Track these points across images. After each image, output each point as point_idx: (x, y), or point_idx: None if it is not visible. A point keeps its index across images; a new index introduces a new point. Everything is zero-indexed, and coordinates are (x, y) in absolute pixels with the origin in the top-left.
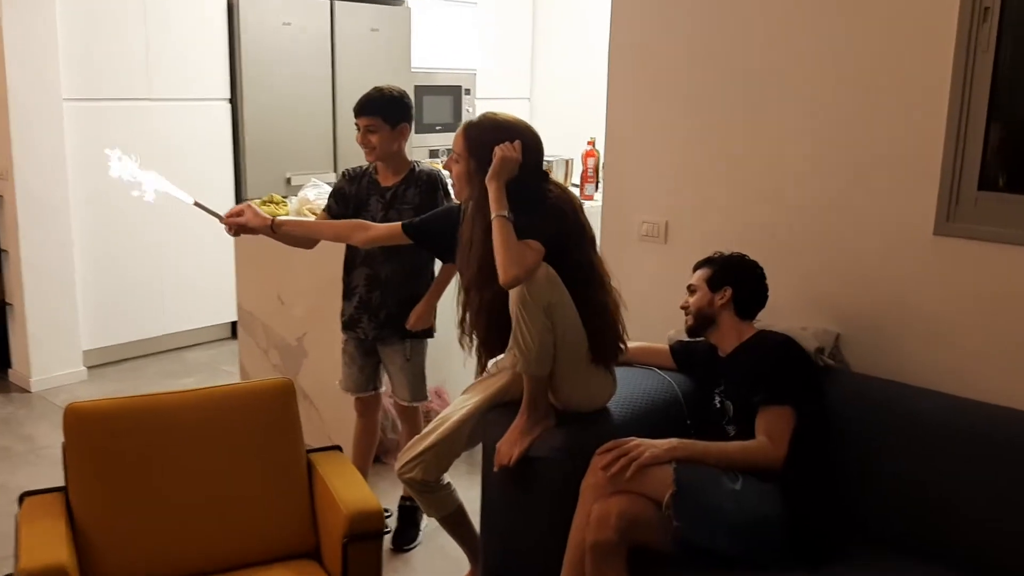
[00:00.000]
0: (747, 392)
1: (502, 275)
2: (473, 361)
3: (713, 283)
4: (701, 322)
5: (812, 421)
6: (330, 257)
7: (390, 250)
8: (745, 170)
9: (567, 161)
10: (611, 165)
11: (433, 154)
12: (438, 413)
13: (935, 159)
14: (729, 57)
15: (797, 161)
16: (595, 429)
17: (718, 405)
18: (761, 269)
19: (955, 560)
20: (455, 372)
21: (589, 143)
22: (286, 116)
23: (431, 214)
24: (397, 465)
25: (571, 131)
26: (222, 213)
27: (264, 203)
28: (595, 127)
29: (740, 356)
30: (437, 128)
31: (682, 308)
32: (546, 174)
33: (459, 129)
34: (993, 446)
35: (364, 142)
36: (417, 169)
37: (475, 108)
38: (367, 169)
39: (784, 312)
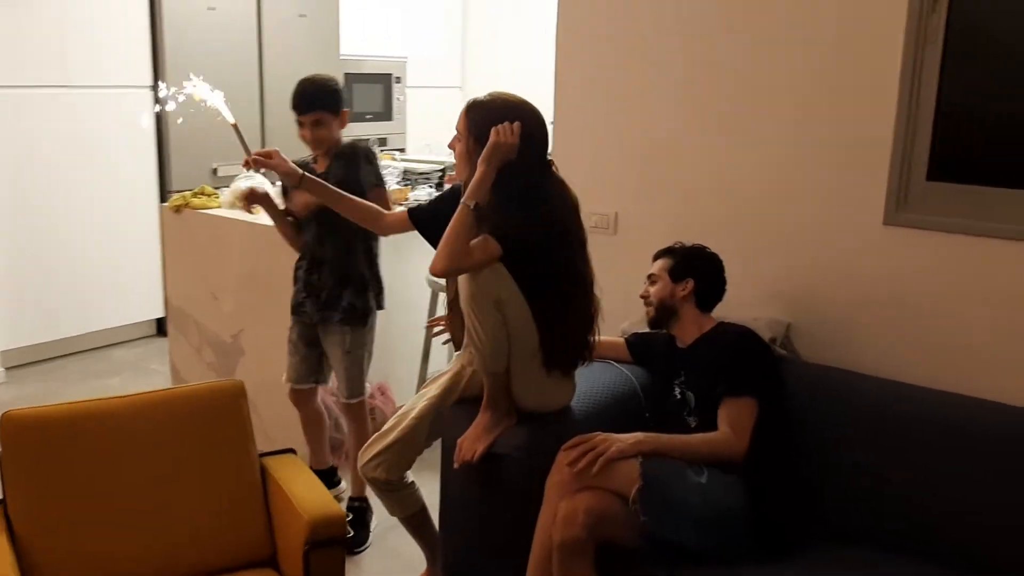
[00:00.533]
0: (708, 383)
1: (433, 262)
2: (418, 357)
3: (675, 274)
4: (662, 313)
5: (773, 412)
6: (264, 252)
7: (326, 229)
8: (695, 161)
9: None
10: (559, 157)
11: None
12: (382, 410)
13: (885, 150)
14: (676, 49)
15: (747, 152)
16: (559, 426)
17: (678, 396)
18: (721, 261)
19: (913, 548)
20: (399, 368)
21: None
22: (205, 111)
23: (436, 197)
24: (359, 464)
25: None
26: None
27: (196, 195)
28: None
29: (701, 347)
30: (368, 117)
31: (642, 297)
32: (548, 166)
33: (463, 107)
34: (946, 433)
35: (313, 137)
36: (340, 145)
37: (406, 96)
38: (308, 161)
39: (735, 303)
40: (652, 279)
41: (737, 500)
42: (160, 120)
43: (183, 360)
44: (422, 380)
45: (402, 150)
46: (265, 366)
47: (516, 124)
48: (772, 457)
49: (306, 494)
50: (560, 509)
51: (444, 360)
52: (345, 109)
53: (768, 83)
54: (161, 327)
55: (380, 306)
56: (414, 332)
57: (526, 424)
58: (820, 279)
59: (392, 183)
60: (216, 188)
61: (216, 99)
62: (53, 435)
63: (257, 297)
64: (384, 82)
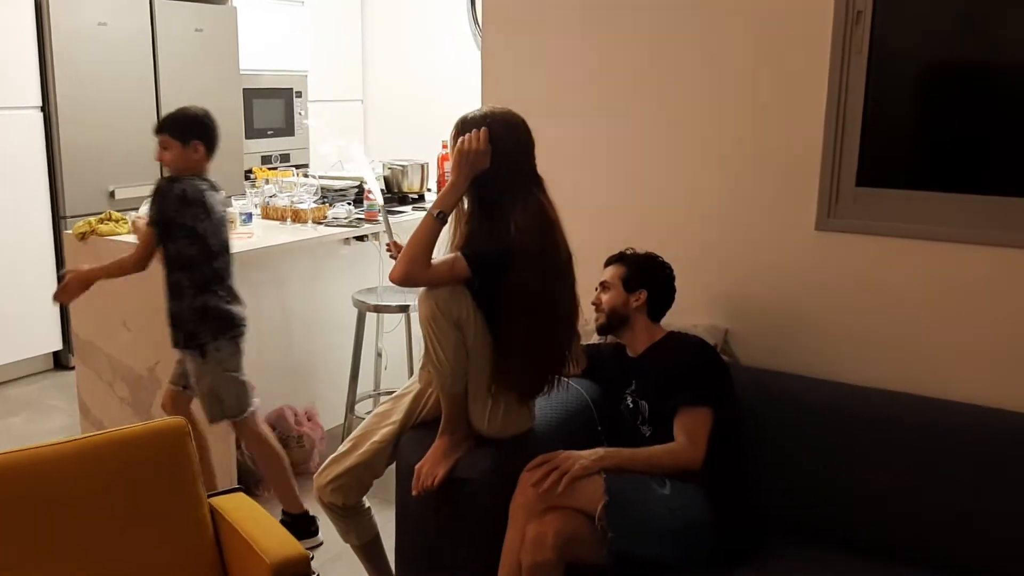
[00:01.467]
0: (662, 393)
1: (392, 269)
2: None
3: (628, 284)
4: (613, 321)
5: (727, 421)
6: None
7: (164, 266)
8: (628, 168)
9: (422, 165)
10: None
11: (266, 160)
12: (309, 437)
13: (815, 157)
14: (602, 63)
15: (681, 161)
16: (519, 447)
17: (631, 405)
18: (672, 271)
19: (860, 543)
20: (326, 389)
21: (444, 146)
22: (106, 124)
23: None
24: (315, 487)
25: (409, 132)
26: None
27: (102, 221)
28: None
29: (652, 356)
30: (269, 133)
31: (593, 304)
32: (526, 179)
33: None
34: (884, 429)
35: (160, 159)
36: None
37: (307, 111)
38: None
39: (673, 309)
40: (604, 286)
41: (700, 509)
42: (50, 141)
43: (93, 396)
44: (351, 402)
45: (306, 165)
46: None
47: (482, 131)
48: (727, 464)
49: (264, 535)
50: (528, 532)
51: (371, 381)
52: (196, 142)
53: (699, 94)
54: (59, 360)
55: (219, 335)
56: (340, 352)
57: (486, 447)
58: (756, 285)
59: (309, 202)
60: (120, 212)
61: None
62: None
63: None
64: (285, 97)
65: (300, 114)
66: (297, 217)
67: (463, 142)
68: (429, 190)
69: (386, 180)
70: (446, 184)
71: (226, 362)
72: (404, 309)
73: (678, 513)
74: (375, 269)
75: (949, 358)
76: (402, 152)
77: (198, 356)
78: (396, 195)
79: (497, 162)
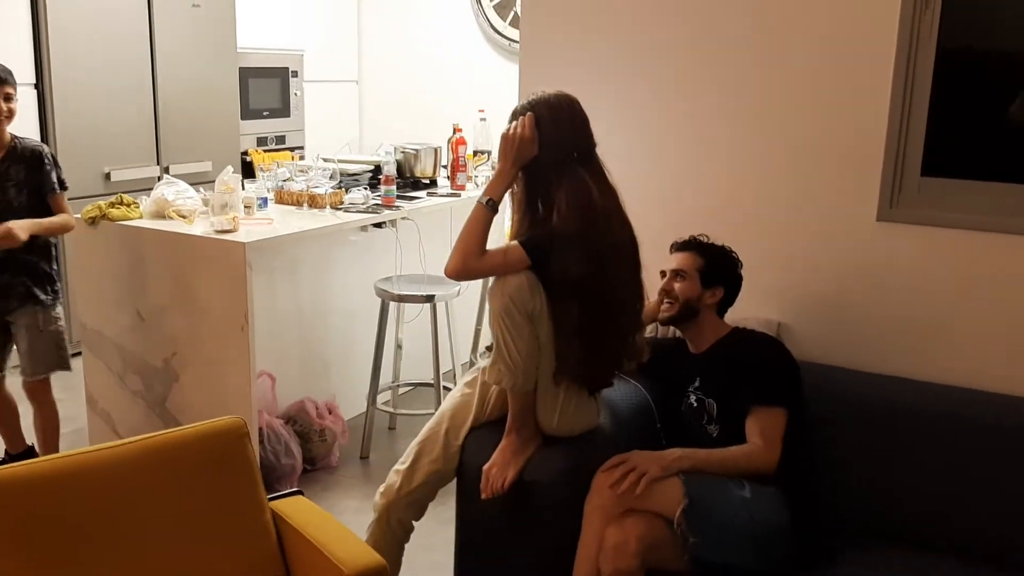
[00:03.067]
0: (731, 391)
1: (448, 263)
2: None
3: (706, 277)
4: (685, 313)
5: (801, 421)
6: (201, 265)
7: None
8: (684, 158)
9: (435, 149)
10: None
11: (261, 141)
12: (331, 430)
13: (878, 146)
14: (665, 49)
15: (739, 150)
16: (589, 447)
17: (694, 404)
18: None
19: (931, 542)
20: (345, 381)
21: (457, 130)
22: (101, 103)
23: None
24: (383, 504)
25: (406, 114)
26: None
27: (113, 205)
28: (437, 112)
29: (719, 353)
30: (265, 114)
31: (663, 292)
32: (580, 158)
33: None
34: (947, 427)
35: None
36: (20, 145)
37: (303, 92)
38: None
39: None
40: (680, 275)
41: (781, 513)
42: (44, 121)
43: (102, 388)
44: (373, 394)
45: (301, 148)
46: (205, 391)
47: (527, 117)
48: (803, 466)
49: (337, 542)
50: (608, 537)
51: (390, 372)
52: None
53: (761, 80)
54: None
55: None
56: (362, 342)
57: (555, 446)
58: (813, 278)
59: (326, 186)
60: (117, 195)
61: None
62: (36, 499)
63: (192, 315)
64: (281, 76)
65: (296, 95)
66: (314, 202)
67: (509, 130)
68: (444, 167)
69: (397, 164)
70: (496, 172)
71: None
72: (429, 299)
73: (758, 516)
74: (391, 257)
75: (1018, 354)
76: (398, 135)
77: (54, 300)
78: (409, 180)
79: (543, 147)
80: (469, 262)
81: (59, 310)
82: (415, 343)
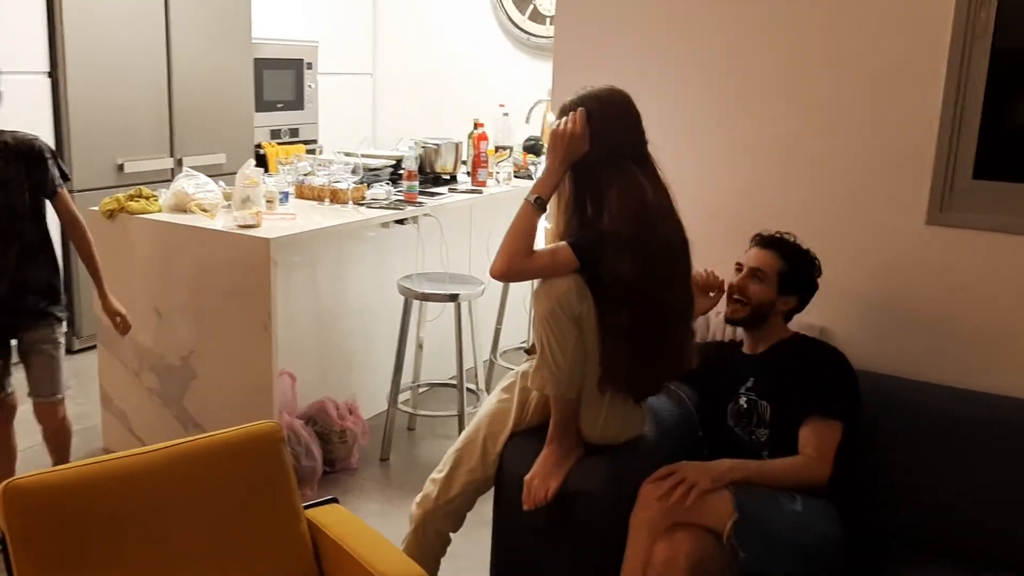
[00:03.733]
0: (787, 396)
1: (492, 264)
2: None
3: (784, 283)
4: (755, 318)
5: (856, 435)
6: (222, 260)
7: (7, 234)
8: (729, 157)
9: (456, 144)
10: None
11: (275, 134)
12: (352, 431)
13: (928, 147)
14: (712, 45)
15: (783, 148)
16: (634, 455)
17: (744, 405)
18: None
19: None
20: (366, 380)
21: (478, 125)
22: (116, 93)
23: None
24: (420, 513)
25: (418, 109)
26: None
27: (131, 198)
28: (452, 106)
29: (779, 356)
30: (279, 106)
31: (737, 288)
32: (632, 155)
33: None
34: (996, 436)
35: None
36: (13, 139)
37: (317, 84)
38: None
39: None
40: (756, 275)
41: (832, 527)
42: (58, 111)
43: (116, 385)
44: (395, 394)
45: (314, 141)
46: (224, 390)
47: (578, 113)
48: (855, 479)
49: (376, 554)
50: (658, 552)
51: (410, 372)
52: None
53: (810, 78)
54: (68, 346)
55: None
56: (381, 341)
57: (598, 455)
58: (858, 281)
59: (348, 181)
60: (136, 187)
61: None
62: (67, 505)
63: (213, 312)
64: (296, 68)
65: (310, 87)
66: (336, 197)
67: (558, 126)
68: (463, 163)
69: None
70: (544, 168)
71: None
72: (453, 298)
73: (810, 530)
74: (412, 254)
75: None
76: (412, 129)
77: (59, 323)
78: (429, 175)
79: (594, 143)
80: (516, 263)
81: (65, 325)
82: (432, 342)
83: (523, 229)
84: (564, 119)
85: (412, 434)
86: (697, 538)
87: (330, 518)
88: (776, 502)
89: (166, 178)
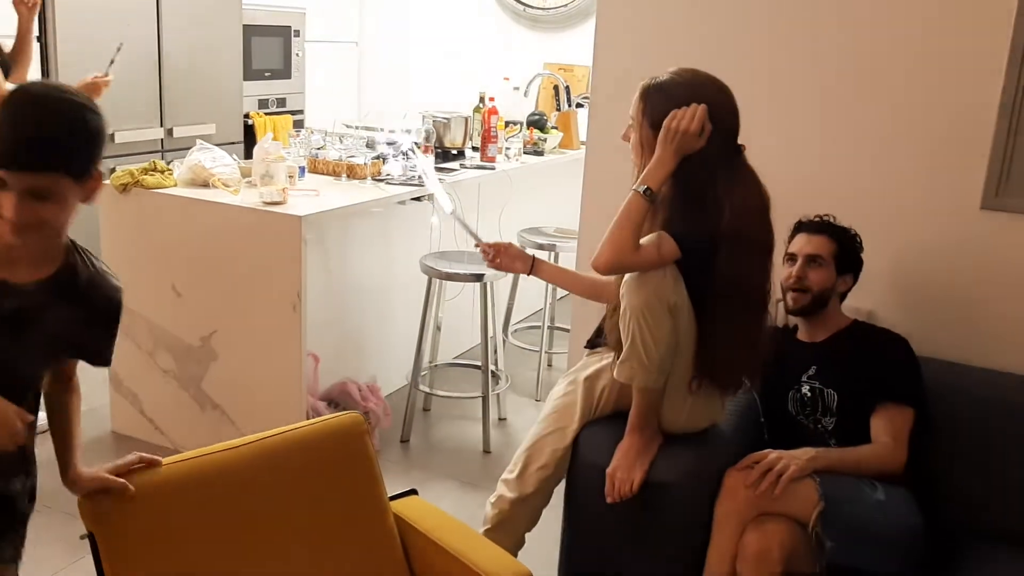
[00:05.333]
0: (856, 383)
1: (595, 257)
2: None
3: (841, 264)
4: (817, 304)
5: (926, 421)
6: (246, 236)
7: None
8: (779, 145)
9: (466, 119)
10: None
11: (263, 103)
12: (375, 413)
13: (987, 130)
14: (767, 25)
15: (833, 127)
16: (712, 444)
17: (807, 394)
18: None
19: None
20: (386, 360)
21: (491, 99)
22: (105, 61)
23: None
24: (492, 511)
25: (403, 79)
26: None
27: (146, 171)
28: (437, 78)
29: (841, 343)
30: (266, 75)
31: (795, 278)
32: (734, 156)
33: (639, 90)
34: None
35: (25, 216)
36: (79, 266)
37: (304, 52)
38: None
39: None
40: (815, 261)
41: (915, 515)
42: (47, 76)
43: (129, 367)
44: (416, 375)
45: (300, 111)
46: (247, 372)
47: (701, 108)
48: (929, 465)
49: (475, 550)
50: (749, 544)
51: (430, 348)
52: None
53: (867, 59)
54: None
55: None
56: (400, 320)
57: (677, 445)
58: (909, 266)
59: (365, 156)
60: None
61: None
62: (153, 503)
63: (237, 291)
64: (284, 35)
65: (297, 55)
66: (353, 173)
67: (675, 119)
68: (475, 148)
69: (426, 134)
70: (655, 157)
71: None
72: (478, 278)
73: (892, 519)
74: (426, 231)
75: None
76: (397, 100)
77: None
78: (438, 150)
79: (713, 139)
80: (624, 257)
81: None
82: (446, 321)
83: (632, 221)
84: (682, 113)
85: (428, 414)
86: (789, 529)
87: (413, 511)
88: (860, 491)
89: (156, 148)
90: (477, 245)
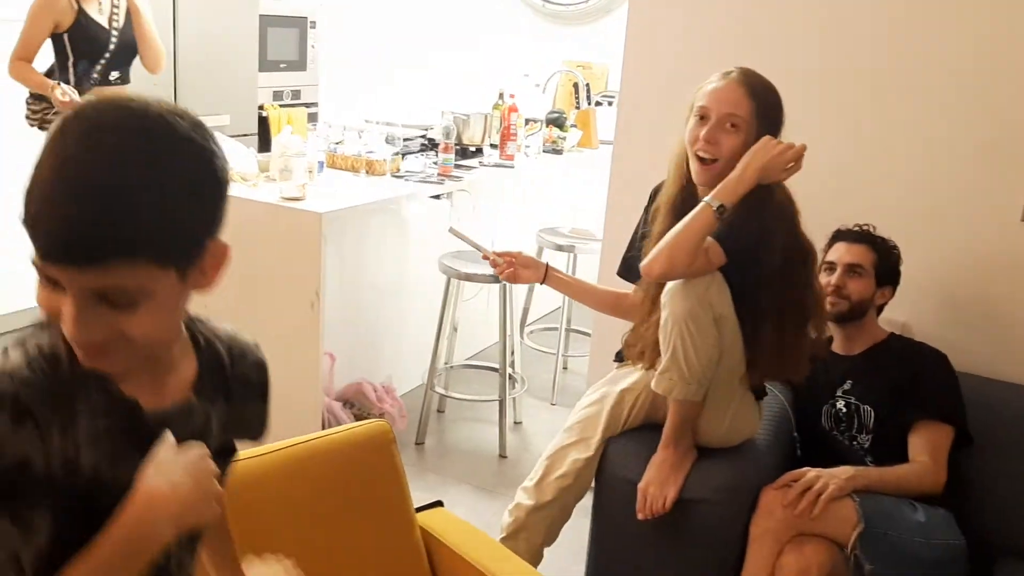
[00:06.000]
0: (894, 399)
1: (649, 264)
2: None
3: (881, 276)
4: (855, 314)
5: (965, 439)
6: (270, 231)
7: None
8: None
9: (486, 116)
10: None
11: (277, 95)
12: (391, 415)
13: None
14: (798, 28)
15: (873, 136)
16: (747, 459)
17: (843, 409)
18: None
19: None
20: (402, 362)
21: (511, 96)
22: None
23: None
24: (509, 519)
25: (420, 73)
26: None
27: None
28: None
29: (879, 357)
30: (282, 66)
31: (834, 288)
32: None
33: (733, 83)
34: None
35: (93, 333)
36: (214, 344)
37: (319, 44)
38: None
39: None
40: (855, 271)
41: (956, 537)
42: None
43: None
44: (432, 376)
45: (315, 104)
46: None
47: (801, 147)
48: (967, 485)
49: (505, 569)
50: (787, 566)
51: (444, 350)
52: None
53: (910, 64)
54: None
55: None
56: (416, 319)
57: (710, 459)
58: (947, 278)
59: (385, 152)
60: None
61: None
62: None
63: (251, 289)
64: (300, 26)
65: (313, 47)
66: (372, 169)
67: (779, 149)
68: (493, 146)
69: (445, 131)
70: (734, 173)
71: None
72: (498, 279)
73: (935, 542)
74: (442, 230)
75: None
76: (409, 95)
77: None
78: (457, 147)
79: None
80: (681, 266)
81: None
82: (461, 321)
83: (698, 235)
84: (785, 146)
85: (442, 416)
86: (828, 550)
87: (440, 523)
88: (900, 511)
89: None
90: (485, 257)
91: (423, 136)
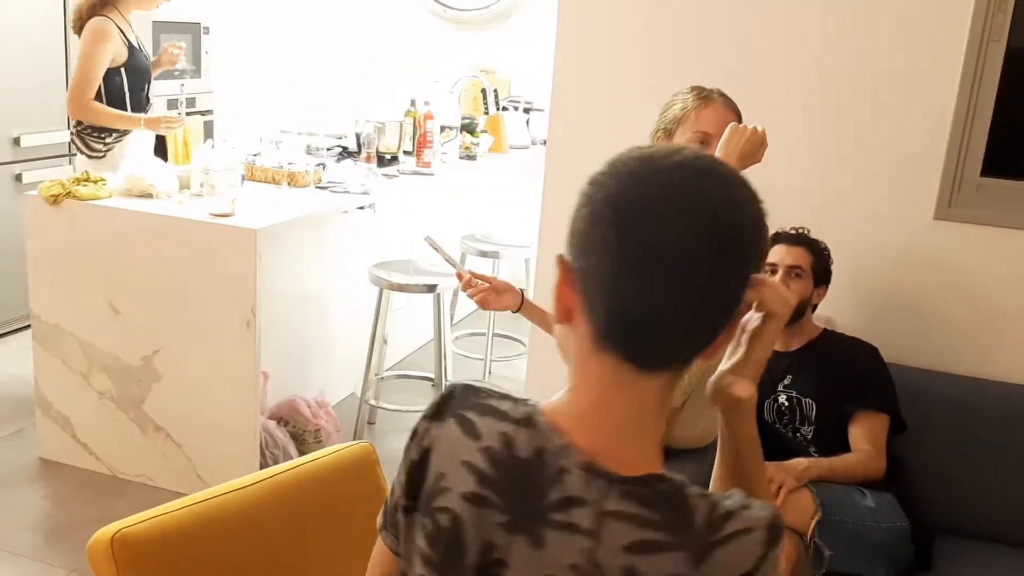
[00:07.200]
0: (830, 393)
1: None
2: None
3: (819, 276)
4: (797, 313)
5: (900, 426)
6: (191, 249)
7: None
8: None
9: (400, 123)
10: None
11: (172, 104)
12: (327, 430)
13: (940, 143)
14: (720, 32)
15: (794, 139)
16: (701, 458)
17: (785, 403)
18: None
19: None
20: (334, 375)
21: (426, 103)
22: (9, 60)
23: None
24: None
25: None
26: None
27: (78, 182)
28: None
29: (816, 353)
30: (175, 74)
31: None
32: None
33: (721, 106)
34: (1009, 422)
35: None
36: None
37: (212, 51)
38: None
39: None
40: (796, 273)
41: (901, 519)
42: None
43: (60, 390)
44: (365, 389)
45: (210, 112)
46: (196, 392)
47: (764, 130)
48: (905, 470)
49: None
50: None
51: (376, 359)
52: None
53: (825, 75)
54: None
55: None
56: (347, 331)
57: (677, 460)
58: (867, 274)
59: (306, 163)
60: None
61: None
62: (152, 556)
63: (182, 307)
64: (193, 32)
65: (207, 53)
66: (294, 180)
67: (745, 131)
68: (407, 152)
69: (358, 137)
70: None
71: None
72: (431, 288)
73: (883, 524)
74: (367, 240)
75: None
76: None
77: None
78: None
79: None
80: None
81: None
82: (395, 336)
83: None
84: (752, 127)
85: (372, 428)
86: (790, 539)
87: None
88: (851, 498)
89: (63, 152)
90: (459, 275)
91: (339, 145)
